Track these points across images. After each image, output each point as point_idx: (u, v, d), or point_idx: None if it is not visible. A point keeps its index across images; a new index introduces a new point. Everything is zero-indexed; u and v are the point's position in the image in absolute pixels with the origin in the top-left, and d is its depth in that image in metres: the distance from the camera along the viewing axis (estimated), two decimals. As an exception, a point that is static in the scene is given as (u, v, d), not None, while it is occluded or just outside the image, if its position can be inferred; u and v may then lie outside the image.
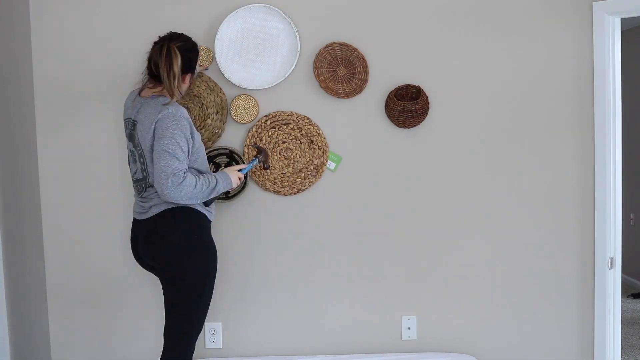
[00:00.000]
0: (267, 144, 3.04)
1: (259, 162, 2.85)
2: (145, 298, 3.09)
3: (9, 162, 2.86)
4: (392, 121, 3.04)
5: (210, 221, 2.63)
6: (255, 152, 2.99)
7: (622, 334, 3.67)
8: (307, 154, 3.05)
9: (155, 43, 2.56)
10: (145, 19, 3.01)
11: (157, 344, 3.09)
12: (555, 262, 3.10)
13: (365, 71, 3.02)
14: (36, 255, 3.06)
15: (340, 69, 3.02)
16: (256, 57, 3.01)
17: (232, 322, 3.12)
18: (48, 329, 3.11)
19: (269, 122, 3.03)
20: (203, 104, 3.01)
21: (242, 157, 3.01)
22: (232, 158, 3.01)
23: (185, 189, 2.40)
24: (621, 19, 3.02)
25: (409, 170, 3.08)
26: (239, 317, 3.11)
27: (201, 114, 3.01)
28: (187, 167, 2.46)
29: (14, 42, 2.93)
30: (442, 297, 3.12)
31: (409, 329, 3.12)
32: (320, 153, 3.05)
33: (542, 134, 3.07)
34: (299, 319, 3.12)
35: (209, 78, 3.01)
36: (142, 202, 2.59)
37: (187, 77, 2.61)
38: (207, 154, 2.97)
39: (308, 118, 3.03)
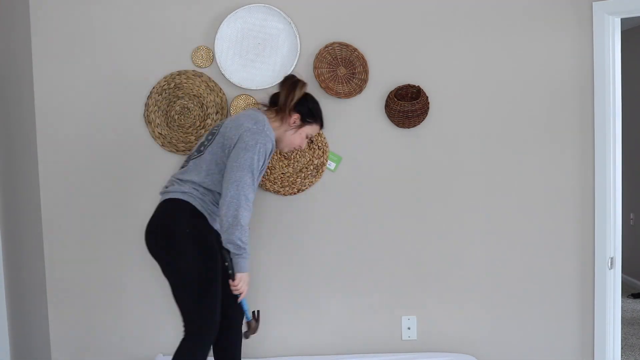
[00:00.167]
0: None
1: (247, 320, 2.65)
2: (145, 298, 3.09)
3: (9, 162, 2.86)
4: (392, 121, 3.04)
5: (210, 225, 2.56)
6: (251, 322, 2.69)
7: (622, 334, 3.67)
8: (307, 154, 3.05)
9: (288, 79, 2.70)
10: (145, 18, 3.01)
11: (157, 343, 3.10)
12: (555, 262, 3.10)
13: (365, 71, 3.02)
14: (36, 255, 3.06)
15: (340, 69, 3.02)
16: (256, 57, 3.01)
17: (232, 322, 3.11)
18: (48, 329, 3.11)
19: (269, 122, 3.03)
20: (203, 104, 3.01)
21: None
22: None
23: (243, 202, 2.40)
24: (621, 19, 3.02)
25: (409, 170, 3.08)
26: (239, 317, 3.11)
27: (201, 113, 3.02)
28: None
29: (14, 42, 2.93)
30: (442, 297, 3.12)
31: (409, 329, 3.12)
32: (320, 153, 3.05)
33: (542, 134, 3.07)
34: (298, 319, 3.12)
35: (209, 78, 3.01)
36: (172, 178, 2.60)
37: (295, 118, 2.63)
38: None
39: (308, 118, 3.04)
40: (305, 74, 3.01)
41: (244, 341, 2.73)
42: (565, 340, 3.12)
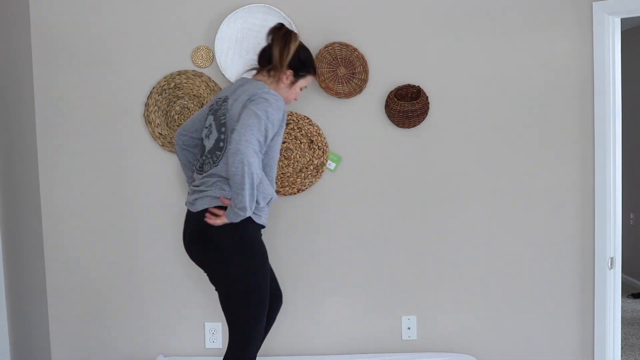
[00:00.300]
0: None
1: None
2: (145, 298, 3.09)
3: (9, 162, 2.86)
4: (392, 121, 3.04)
5: (258, 224, 2.47)
6: None
7: (622, 334, 3.68)
8: (307, 154, 3.06)
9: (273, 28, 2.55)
10: (145, 18, 3.01)
11: (158, 344, 3.09)
12: (555, 262, 3.10)
13: (365, 71, 3.02)
14: (36, 255, 3.06)
15: (340, 69, 3.02)
16: (256, 57, 3.01)
17: (232, 322, 3.11)
18: (48, 329, 3.11)
19: (269, 122, 3.03)
20: (203, 104, 3.01)
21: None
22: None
23: (250, 156, 2.25)
24: (621, 19, 3.02)
25: (409, 170, 3.08)
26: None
27: (201, 114, 3.02)
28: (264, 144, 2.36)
29: (14, 43, 2.93)
30: (442, 297, 3.12)
31: (409, 329, 3.13)
32: (320, 153, 3.05)
33: (542, 134, 3.07)
34: (298, 319, 3.12)
35: (209, 78, 3.01)
36: (193, 188, 2.50)
37: (290, 74, 2.53)
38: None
39: (308, 118, 3.03)
40: (305, 74, 3.02)
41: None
42: (565, 340, 3.12)
